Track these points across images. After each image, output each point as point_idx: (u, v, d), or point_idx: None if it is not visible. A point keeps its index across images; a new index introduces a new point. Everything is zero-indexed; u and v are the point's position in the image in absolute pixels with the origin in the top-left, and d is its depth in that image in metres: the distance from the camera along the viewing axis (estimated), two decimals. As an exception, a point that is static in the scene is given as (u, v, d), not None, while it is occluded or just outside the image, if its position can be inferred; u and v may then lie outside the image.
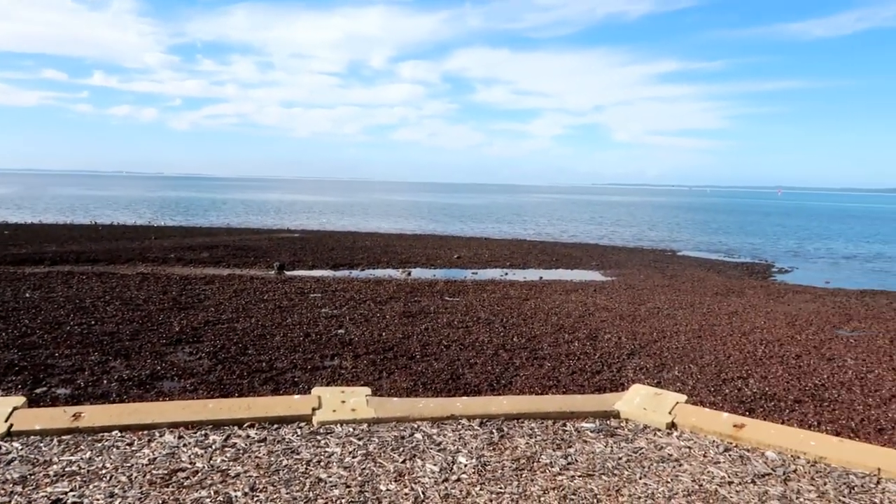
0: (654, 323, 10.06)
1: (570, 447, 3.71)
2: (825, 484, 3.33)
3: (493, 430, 3.90)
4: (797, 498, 3.16)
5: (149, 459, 3.39)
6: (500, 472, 3.39)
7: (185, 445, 3.58)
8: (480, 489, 3.20)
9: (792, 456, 3.65)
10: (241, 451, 3.54)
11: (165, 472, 3.26)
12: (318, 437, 3.75)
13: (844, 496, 3.20)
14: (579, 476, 3.34)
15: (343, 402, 4.11)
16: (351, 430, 3.85)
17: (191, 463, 3.39)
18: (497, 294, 12.28)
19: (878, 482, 3.36)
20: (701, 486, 3.27)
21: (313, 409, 4.01)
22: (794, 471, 3.48)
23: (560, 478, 3.33)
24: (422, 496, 3.10)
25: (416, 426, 3.93)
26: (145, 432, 3.72)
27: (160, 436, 3.68)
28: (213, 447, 3.58)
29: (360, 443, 3.68)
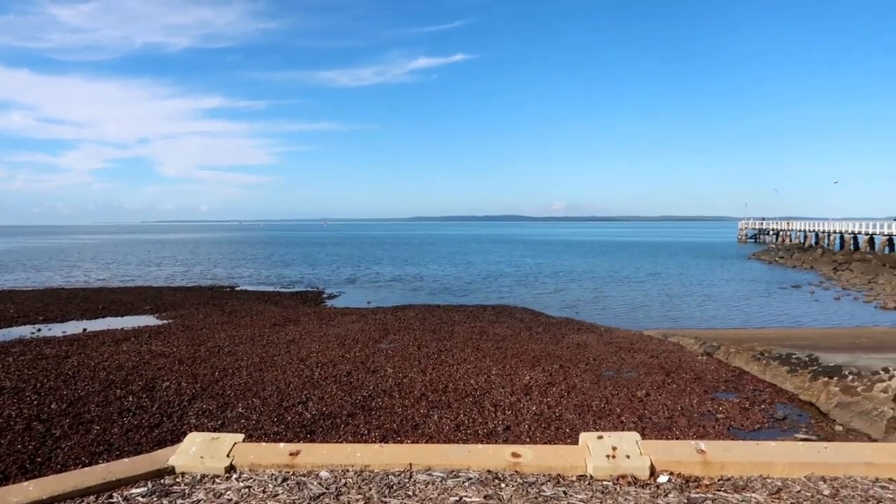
0: (215, 362, 9.86)
1: (117, 521, 3.31)
2: (370, 489, 3.66)
3: (17, 526, 3.23)
4: (347, 509, 3.40)
5: None
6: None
7: None
8: None
9: (342, 470, 3.93)
10: None
11: None
12: None
13: (385, 496, 3.57)
14: (126, 552, 2.99)
15: None
16: None
17: None
18: (27, 356, 10.44)
19: (410, 476, 3.85)
20: (260, 523, 3.26)
21: None
22: (345, 484, 3.75)
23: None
24: None
25: None
26: None
27: None
28: None
29: None
